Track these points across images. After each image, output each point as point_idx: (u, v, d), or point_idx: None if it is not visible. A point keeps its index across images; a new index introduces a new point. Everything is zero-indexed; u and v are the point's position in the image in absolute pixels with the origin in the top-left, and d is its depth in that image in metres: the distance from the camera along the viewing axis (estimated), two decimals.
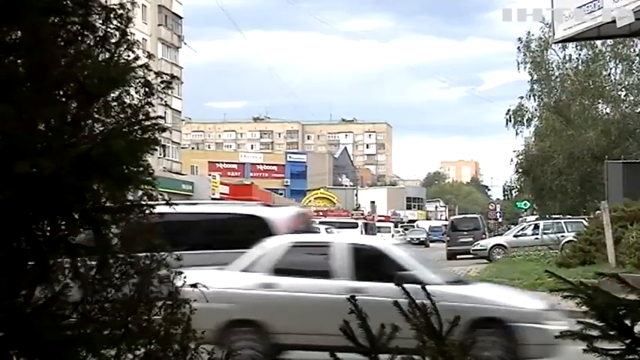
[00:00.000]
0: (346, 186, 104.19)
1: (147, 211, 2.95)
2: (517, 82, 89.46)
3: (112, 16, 2.88)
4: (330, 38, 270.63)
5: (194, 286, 3.47)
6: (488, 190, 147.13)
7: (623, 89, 49.32)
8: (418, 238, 64.63)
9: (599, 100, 49.11)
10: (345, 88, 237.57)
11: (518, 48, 49.27)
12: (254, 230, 11.30)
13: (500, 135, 78.85)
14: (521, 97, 49.92)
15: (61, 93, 2.66)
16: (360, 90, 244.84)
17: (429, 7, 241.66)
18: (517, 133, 50.23)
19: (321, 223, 55.78)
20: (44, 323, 2.44)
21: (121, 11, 2.92)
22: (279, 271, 9.50)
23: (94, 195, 2.56)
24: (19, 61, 2.56)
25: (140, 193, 2.92)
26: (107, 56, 2.84)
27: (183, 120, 76.39)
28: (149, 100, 2.95)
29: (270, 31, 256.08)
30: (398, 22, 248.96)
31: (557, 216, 42.98)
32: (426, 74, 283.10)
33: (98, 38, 2.83)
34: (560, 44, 40.34)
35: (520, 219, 56.75)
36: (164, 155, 58.06)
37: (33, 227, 2.50)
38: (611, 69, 49.22)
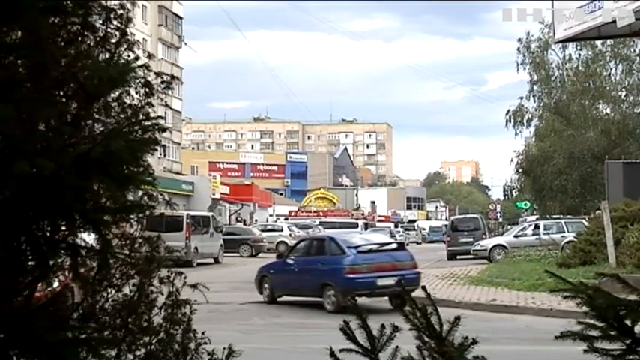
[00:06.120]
0: (346, 186, 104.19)
1: (147, 212, 2.96)
2: (520, 82, 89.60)
3: (112, 16, 2.88)
4: (334, 38, 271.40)
5: (194, 286, 3.48)
6: (489, 190, 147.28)
7: (623, 89, 49.36)
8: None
9: (599, 101, 49.15)
10: (348, 88, 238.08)
11: (518, 49, 49.39)
12: None
13: (502, 135, 79.09)
14: (521, 98, 50.04)
15: (61, 93, 2.66)
16: (364, 90, 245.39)
17: (434, 7, 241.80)
18: (516, 134, 50.40)
19: (321, 223, 55.89)
20: (44, 324, 2.44)
21: (121, 11, 2.92)
22: None
23: (94, 195, 2.56)
24: (19, 61, 2.56)
25: (140, 193, 2.93)
26: (107, 56, 2.84)
27: (183, 120, 76.40)
28: (149, 100, 2.95)
29: (275, 31, 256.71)
30: (403, 23, 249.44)
31: (558, 216, 42.98)
32: (430, 74, 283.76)
33: (98, 38, 2.83)
34: (560, 44, 40.36)
35: (520, 219, 56.74)
36: (164, 155, 58.06)
37: (33, 227, 2.50)
38: (611, 69, 49.28)
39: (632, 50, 47.60)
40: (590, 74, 48.09)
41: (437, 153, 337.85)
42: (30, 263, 2.57)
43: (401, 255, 17.56)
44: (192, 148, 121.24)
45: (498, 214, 71.42)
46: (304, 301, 17.64)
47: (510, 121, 49.90)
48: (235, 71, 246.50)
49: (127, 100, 2.87)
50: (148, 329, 3.05)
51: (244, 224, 54.81)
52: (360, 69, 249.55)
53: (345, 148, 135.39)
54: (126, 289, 3.05)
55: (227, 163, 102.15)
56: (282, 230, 49.18)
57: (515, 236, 34.85)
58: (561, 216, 42.74)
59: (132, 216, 2.87)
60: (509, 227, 52.11)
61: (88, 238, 2.64)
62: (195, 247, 32.76)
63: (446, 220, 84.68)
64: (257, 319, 15.87)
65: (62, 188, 2.37)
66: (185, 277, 3.35)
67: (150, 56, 3.23)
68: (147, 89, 2.94)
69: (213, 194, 57.15)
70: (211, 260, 34.96)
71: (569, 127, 47.70)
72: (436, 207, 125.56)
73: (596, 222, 23.61)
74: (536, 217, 50.11)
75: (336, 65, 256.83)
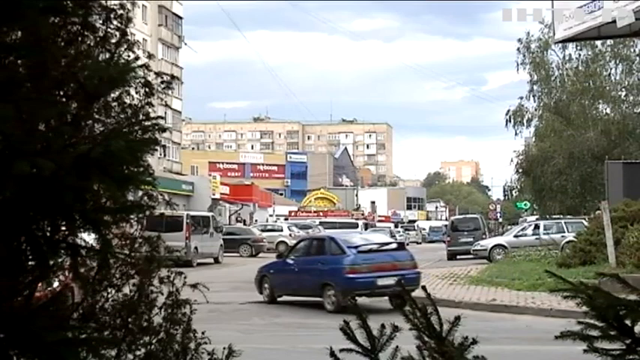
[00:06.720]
0: (346, 186, 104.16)
1: (147, 212, 2.95)
2: (520, 82, 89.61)
3: (112, 16, 2.88)
4: (334, 38, 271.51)
5: (194, 286, 3.47)
6: (489, 190, 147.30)
7: (623, 89, 49.36)
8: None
9: (599, 101, 49.16)
10: (348, 88, 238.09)
11: (518, 49, 49.42)
12: None
13: (502, 135, 79.04)
14: (521, 98, 50.06)
15: (61, 93, 2.65)
16: (364, 90, 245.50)
17: (434, 7, 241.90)
18: (516, 134, 50.42)
19: (321, 223, 55.88)
20: (44, 324, 2.44)
21: (121, 11, 2.92)
22: None
23: (94, 195, 2.56)
24: (19, 61, 2.55)
25: (140, 193, 2.93)
26: (107, 56, 2.84)
27: (183, 120, 76.37)
28: (149, 100, 2.95)
29: (275, 31, 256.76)
30: (403, 23, 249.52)
31: (558, 216, 42.97)
32: (430, 74, 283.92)
33: (98, 38, 2.83)
34: (560, 44, 40.36)
35: (520, 219, 56.73)
36: (164, 155, 58.03)
37: (33, 227, 2.49)
38: (611, 69, 49.28)
39: (632, 50, 47.59)
40: (590, 74, 48.09)
41: (437, 153, 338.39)
42: (30, 263, 2.57)
43: (401, 255, 17.63)
44: (192, 148, 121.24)
45: (498, 214, 71.42)
46: (304, 301, 17.64)
47: (510, 121, 49.93)
48: (235, 71, 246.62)
49: (127, 100, 2.87)
50: (148, 329, 3.05)
51: (244, 224, 54.80)
52: (360, 69, 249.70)
53: (345, 148, 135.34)
54: (126, 289, 3.05)
55: (227, 163, 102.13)
56: (282, 230, 49.17)
57: (515, 236, 34.84)
58: (561, 216, 42.72)
59: (132, 216, 2.86)
60: (509, 227, 52.10)
61: (88, 238, 2.64)
62: (195, 247, 32.76)
63: (446, 220, 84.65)
64: (257, 319, 15.87)
65: (62, 188, 2.37)
66: (185, 277, 3.35)
67: (150, 56, 3.23)
68: (147, 89, 2.94)
69: (213, 194, 57.14)
70: (211, 260, 34.96)
71: (569, 127, 47.69)
72: (436, 207, 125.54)
73: (596, 222, 23.59)
74: (536, 217, 50.09)
75: (336, 65, 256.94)
